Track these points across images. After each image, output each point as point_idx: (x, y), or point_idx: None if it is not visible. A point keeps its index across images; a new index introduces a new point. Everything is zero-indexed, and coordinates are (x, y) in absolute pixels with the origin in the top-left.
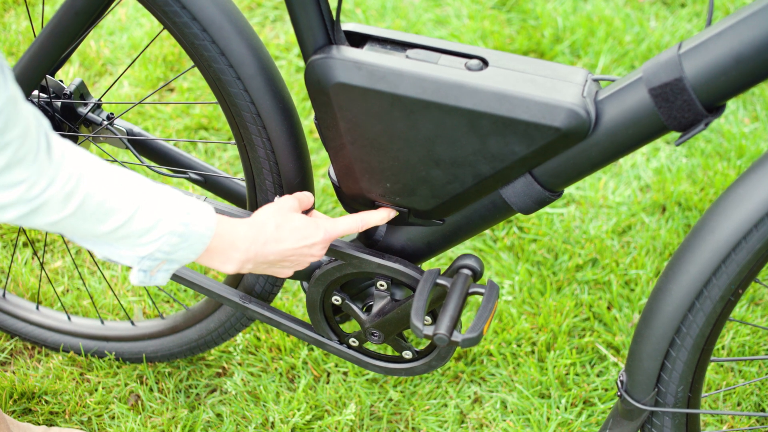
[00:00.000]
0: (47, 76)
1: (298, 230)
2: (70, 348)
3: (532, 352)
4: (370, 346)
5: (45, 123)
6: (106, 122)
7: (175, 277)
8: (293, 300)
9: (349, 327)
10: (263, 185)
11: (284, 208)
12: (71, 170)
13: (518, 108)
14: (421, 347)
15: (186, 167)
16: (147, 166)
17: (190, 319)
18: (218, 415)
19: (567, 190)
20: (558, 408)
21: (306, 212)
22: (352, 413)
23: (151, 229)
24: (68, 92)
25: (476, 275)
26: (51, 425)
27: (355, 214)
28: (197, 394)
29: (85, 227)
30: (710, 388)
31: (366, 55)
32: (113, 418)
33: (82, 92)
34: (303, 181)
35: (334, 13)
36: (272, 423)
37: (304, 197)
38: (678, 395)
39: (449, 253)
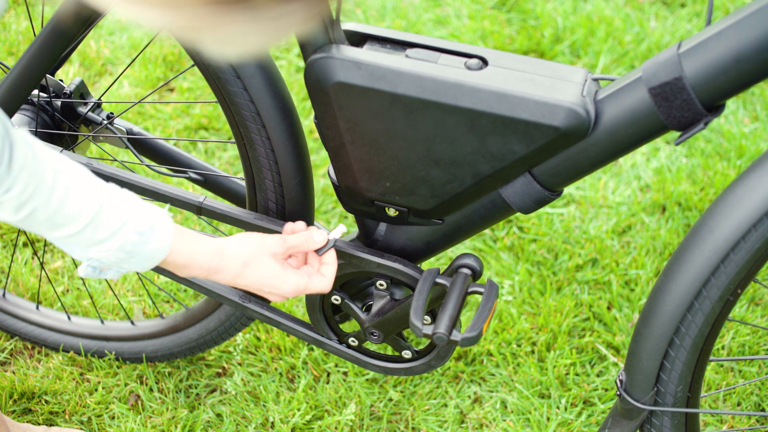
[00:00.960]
0: (47, 75)
1: (263, 277)
2: (70, 348)
3: (532, 352)
4: (370, 346)
5: (12, 134)
6: (106, 122)
7: (175, 277)
8: (293, 300)
9: (348, 327)
10: (263, 184)
11: (262, 248)
12: (27, 183)
13: (518, 107)
14: (421, 347)
15: (186, 167)
16: (147, 166)
17: (190, 318)
18: (218, 415)
19: (567, 190)
20: (558, 408)
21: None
22: (352, 413)
23: (100, 243)
24: (68, 92)
25: (476, 275)
26: (51, 425)
27: (319, 277)
28: (197, 394)
29: (35, 230)
30: (710, 388)
31: (366, 54)
32: (113, 418)
33: (82, 92)
34: (302, 181)
35: (334, 13)
36: (272, 423)
37: (304, 242)
38: (677, 395)
39: (449, 252)
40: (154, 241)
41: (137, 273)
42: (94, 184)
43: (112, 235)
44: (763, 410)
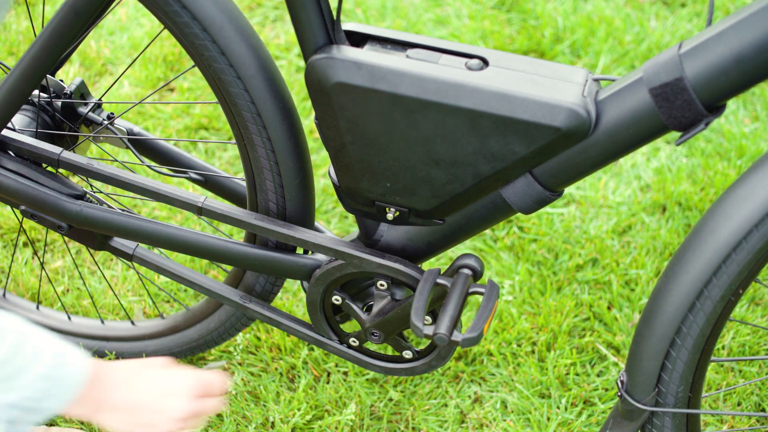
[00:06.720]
0: (48, 75)
1: (156, 377)
2: None
3: (533, 351)
4: (371, 346)
5: None
6: (106, 122)
7: (176, 277)
8: (293, 300)
9: (349, 327)
10: (263, 185)
11: (150, 363)
12: None
13: (518, 108)
14: (422, 347)
15: (186, 167)
16: (147, 166)
17: (190, 318)
18: (218, 415)
19: (567, 190)
20: (558, 408)
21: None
22: (352, 413)
23: (19, 374)
24: (69, 92)
25: (476, 275)
26: (51, 425)
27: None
28: None
29: None
30: (710, 388)
31: (366, 54)
32: None
33: (82, 92)
34: (303, 181)
35: (334, 13)
36: (272, 423)
37: (209, 385)
38: (678, 395)
39: (449, 252)
40: (73, 362)
41: (137, 273)
42: (4, 323)
43: (30, 363)
44: (763, 410)
